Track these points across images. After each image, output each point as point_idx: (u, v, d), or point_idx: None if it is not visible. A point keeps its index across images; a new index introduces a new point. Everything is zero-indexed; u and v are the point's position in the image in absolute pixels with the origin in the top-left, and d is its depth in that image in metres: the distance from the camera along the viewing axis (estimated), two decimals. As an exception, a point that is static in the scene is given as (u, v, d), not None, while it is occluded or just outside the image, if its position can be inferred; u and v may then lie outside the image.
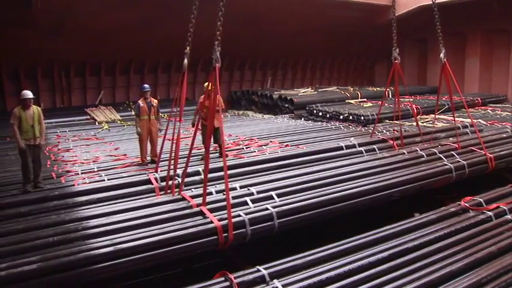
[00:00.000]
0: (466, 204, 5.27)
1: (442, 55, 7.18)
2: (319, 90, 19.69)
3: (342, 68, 23.88)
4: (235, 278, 3.58)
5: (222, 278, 3.60)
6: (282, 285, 3.54)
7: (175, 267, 4.82)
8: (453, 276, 3.85)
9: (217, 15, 4.56)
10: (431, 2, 7.32)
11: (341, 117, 14.64)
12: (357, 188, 5.51)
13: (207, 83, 7.73)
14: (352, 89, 19.96)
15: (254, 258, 4.41)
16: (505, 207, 5.20)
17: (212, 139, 7.75)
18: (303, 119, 15.87)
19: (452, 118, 8.54)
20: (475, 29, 19.88)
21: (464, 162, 6.50)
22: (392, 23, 7.81)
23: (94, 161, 8.82)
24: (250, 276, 3.63)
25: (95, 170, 7.83)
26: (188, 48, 5.19)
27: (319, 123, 14.39)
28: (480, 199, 5.40)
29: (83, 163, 8.65)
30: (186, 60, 5.25)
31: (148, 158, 8.44)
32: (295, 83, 22.17)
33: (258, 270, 3.70)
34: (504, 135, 8.34)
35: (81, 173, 7.48)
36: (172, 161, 5.83)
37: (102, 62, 16.89)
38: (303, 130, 12.37)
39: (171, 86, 18.61)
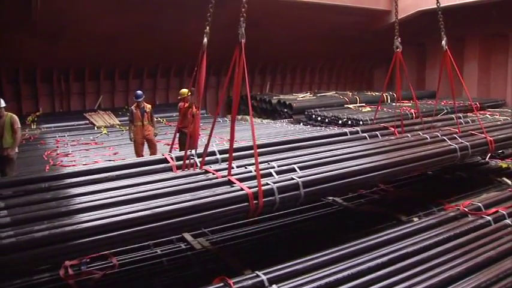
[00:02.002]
0: (465, 209, 5.25)
1: (443, 42, 7.05)
2: (318, 95, 19.72)
3: (341, 72, 23.93)
4: (234, 283, 3.56)
5: (221, 284, 3.58)
6: (281, 291, 3.53)
7: (173, 272, 4.80)
8: (453, 281, 3.84)
9: None
10: (429, 7, 7.27)
11: (340, 121, 14.67)
12: (373, 162, 5.49)
13: (184, 90, 7.63)
14: (351, 93, 19.99)
15: (253, 263, 4.40)
16: (504, 212, 5.19)
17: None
18: (301, 123, 15.88)
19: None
20: (473, 33, 19.96)
21: (467, 143, 6.62)
22: (394, 7, 7.69)
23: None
24: (249, 282, 3.61)
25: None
26: (208, 28, 5.19)
27: (318, 127, 14.41)
28: (479, 203, 5.38)
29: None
30: (205, 39, 5.24)
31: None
32: (294, 88, 22.21)
33: (257, 276, 3.68)
34: (499, 123, 8.50)
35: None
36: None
37: (102, 66, 16.93)
38: (301, 135, 12.36)
39: (169, 90, 18.66)
